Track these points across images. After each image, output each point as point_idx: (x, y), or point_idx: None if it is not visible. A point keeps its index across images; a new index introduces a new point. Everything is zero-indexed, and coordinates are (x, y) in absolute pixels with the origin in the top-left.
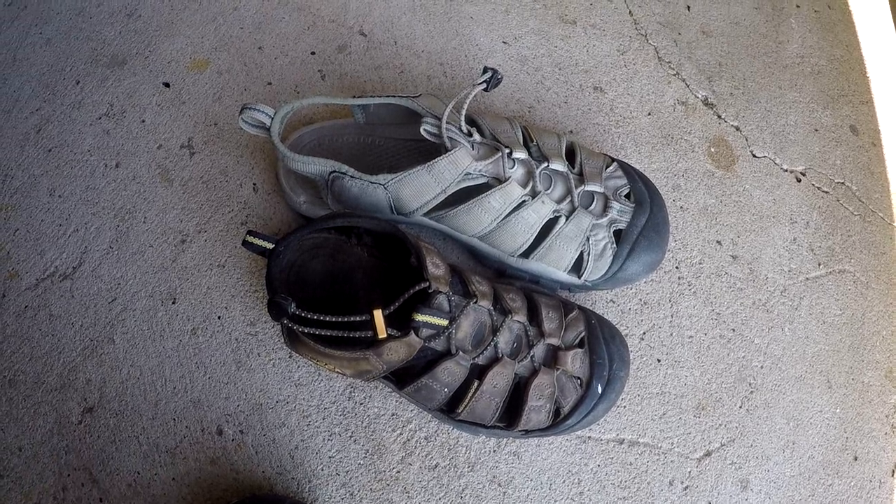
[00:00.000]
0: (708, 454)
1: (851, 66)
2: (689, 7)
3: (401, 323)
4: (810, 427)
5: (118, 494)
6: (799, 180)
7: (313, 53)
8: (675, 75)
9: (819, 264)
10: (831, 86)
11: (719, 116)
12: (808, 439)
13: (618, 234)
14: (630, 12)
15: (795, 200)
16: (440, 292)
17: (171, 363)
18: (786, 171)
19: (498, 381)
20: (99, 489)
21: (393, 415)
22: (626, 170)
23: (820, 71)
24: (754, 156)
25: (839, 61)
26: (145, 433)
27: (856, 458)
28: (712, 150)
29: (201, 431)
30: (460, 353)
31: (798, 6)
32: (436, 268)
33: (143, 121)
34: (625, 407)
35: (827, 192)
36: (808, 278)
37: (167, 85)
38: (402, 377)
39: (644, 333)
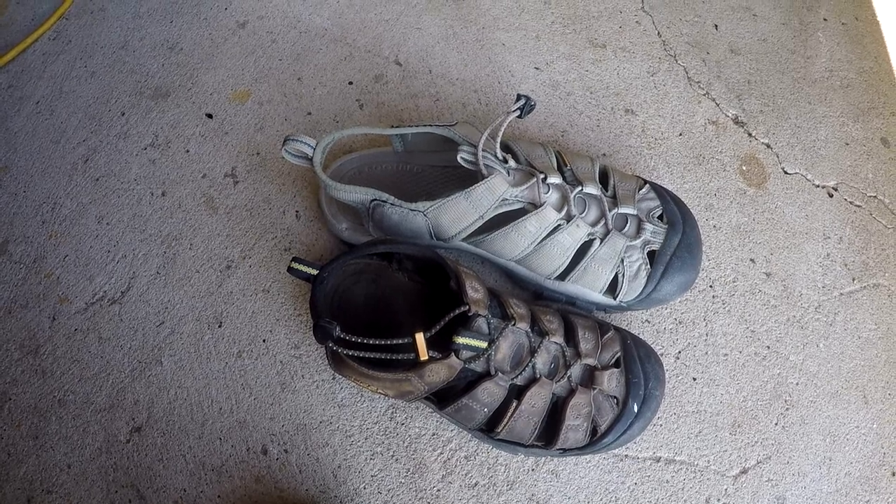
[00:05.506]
0: (744, 471)
1: (881, 78)
2: (716, 26)
3: (442, 345)
4: (847, 443)
5: None
6: (831, 195)
7: (351, 83)
8: (704, 95)
9: (853, 279)
10: (861, 99)
11: (750, 134)
12: (845, 455)
13: (652, 256)
14: (659, 34)
15: (828, 216)
16: (479, 315)
17: (217, 385)
18: (817, 186)
19: (536, 401)
20: None
21: (434, 434)
22: (659, 191)
23: (849, 84)
24: (786, 172)
25: (868, 73)
26: (192, 452)
27: (893, 474)
28: (744, 168)
29: (247, 451)
30: (499, 373)
31: (825, 20)
32: (475, 291)
33: (188, 151)
34: (661, 425)
35: (859, 207)
36: (842, 294)
37: (210, 116)
38: (443, 398)
39: (679, 352)
